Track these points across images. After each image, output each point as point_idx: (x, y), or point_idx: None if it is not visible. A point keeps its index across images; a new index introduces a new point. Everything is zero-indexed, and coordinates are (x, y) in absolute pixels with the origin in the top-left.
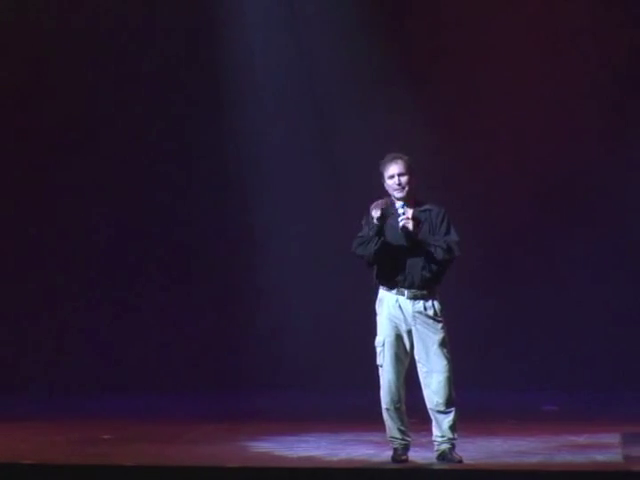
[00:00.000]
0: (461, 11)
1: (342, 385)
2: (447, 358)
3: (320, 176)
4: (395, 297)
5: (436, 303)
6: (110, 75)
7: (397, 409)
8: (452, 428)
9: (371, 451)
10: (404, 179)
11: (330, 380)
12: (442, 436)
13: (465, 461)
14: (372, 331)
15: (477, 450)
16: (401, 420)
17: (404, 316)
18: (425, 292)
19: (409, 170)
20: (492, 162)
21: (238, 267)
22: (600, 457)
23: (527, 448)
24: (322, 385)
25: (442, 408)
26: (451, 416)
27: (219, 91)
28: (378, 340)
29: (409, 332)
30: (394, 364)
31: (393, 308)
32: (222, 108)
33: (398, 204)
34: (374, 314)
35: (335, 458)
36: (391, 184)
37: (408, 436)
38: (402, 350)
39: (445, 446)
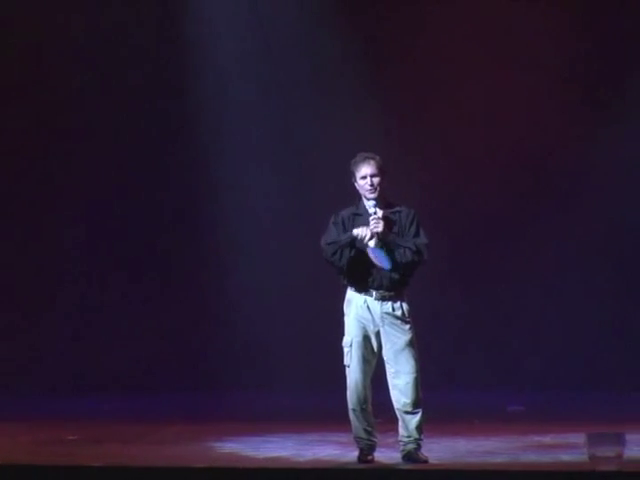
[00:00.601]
0: (424, 10)
1: (307, 385)
2: (415, 359)
3: (287, 177)
4: (363, 298)
5: (404, 304)
6: (76, 82)
7: (363, 409)
8: (419, 429)
9: (337, 451)
10: (376, 180)
11: (295, 380)
12: (408, 436)
13: (431, 461)
14: (338, 331)
15: (442, 450)
16: (367, 420)
17: (372, 317)
18: (393, 293)
19: (381, 171)
20: (460, 158)
21: (208, 270)
22: (565, 457)
23: (492, 448)
24: (287, 385)
25: (409, 409)
26: (418, 417)
27: (186, 99)
28: (346, 340)
29: (377, 333)
30: (361, 365)
31: (361, 309)
32: (188, 115)
33: (369, 204)
34: (341, 314)
35: (301, 458)
36: (363, 184)
37: (374, 436)
38: (369, 351)
39: (411, 446)
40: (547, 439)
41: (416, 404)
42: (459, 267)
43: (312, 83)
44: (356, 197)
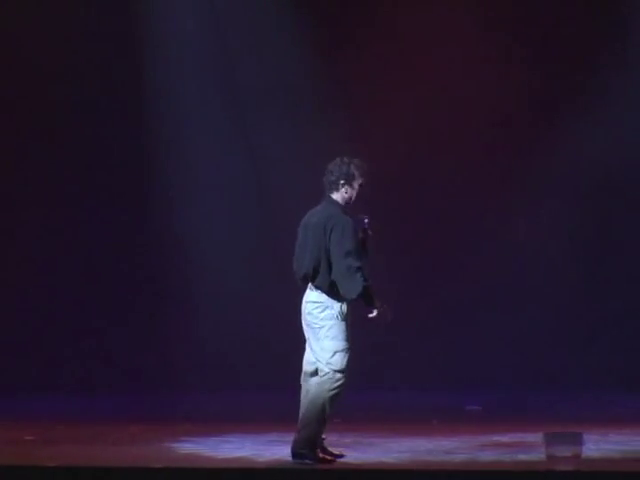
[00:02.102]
0: (388, 8)
1: (263, 386)
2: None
3: (245, 180)
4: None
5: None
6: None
7: None
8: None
9: None
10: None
11: (251, 381)
12: None
13: (389, 461)
14: (292, 333)
15: (401, 450)
16: None
17: None
18: None
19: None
20: (420, 155)
21: (168, 270)
22: (523, 456)
23: (451, 448)
24: (244, 386)
25: None
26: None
27: (142, 99)
28: (345, 345)
29: None
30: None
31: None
32: (144, 118)
33: (361, 216)
34: (295, 316)
35: (260, 458)
36: (355, 192)
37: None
38: None
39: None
40: (505, 439)
41: None
42: (418, 264)
43: (272, 88)
44: (328, 199)
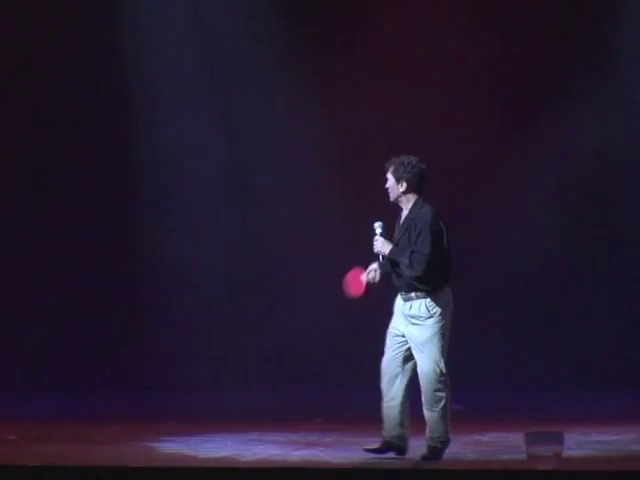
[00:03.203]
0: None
1: (245, 385)
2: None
3: (224, 171)
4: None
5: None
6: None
7: None
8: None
9: (277, 451)
10: (387, 184)
11: (232, 381)
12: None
13: (370, 460)
14: (271, 331)
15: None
16: None
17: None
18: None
19: (392, 175)
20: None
21: (149, 270)
22: (505, 456)
23: None
24: (226, 385)
25: (425, 406)
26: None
27: (126, 99)
28: (444, 345)
29: None
30: None
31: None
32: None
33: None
34: (275, 315)
35: (241, 458)
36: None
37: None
38: None
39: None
40: (486, 438)
41: (429, 402)
42: None
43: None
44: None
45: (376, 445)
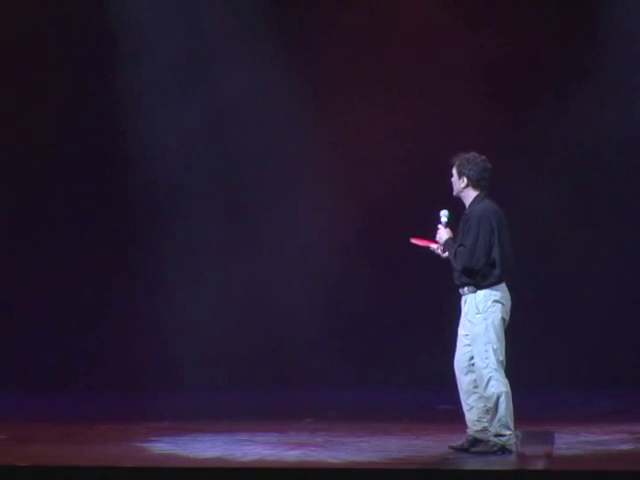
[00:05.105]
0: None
1: (234, 385)
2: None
3: (214, 166)
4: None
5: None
6: None
7: None
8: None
9: (267, 451)
10: (452, 180)
11: (221, 380)
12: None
13: (360, 460)
14: (258, 332)
15: (372, 449)
16: None
17: None
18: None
19: (456, 171)
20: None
21: (138, 269)
22: (495, 456)
23: (422, 447)
24: (215, 385)
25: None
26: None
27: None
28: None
29: None
30: None
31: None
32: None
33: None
34: (264, 312)
35: (231, 458)
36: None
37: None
38: None
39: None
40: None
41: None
42: (396, 263)
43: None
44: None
45: (461, 442)
